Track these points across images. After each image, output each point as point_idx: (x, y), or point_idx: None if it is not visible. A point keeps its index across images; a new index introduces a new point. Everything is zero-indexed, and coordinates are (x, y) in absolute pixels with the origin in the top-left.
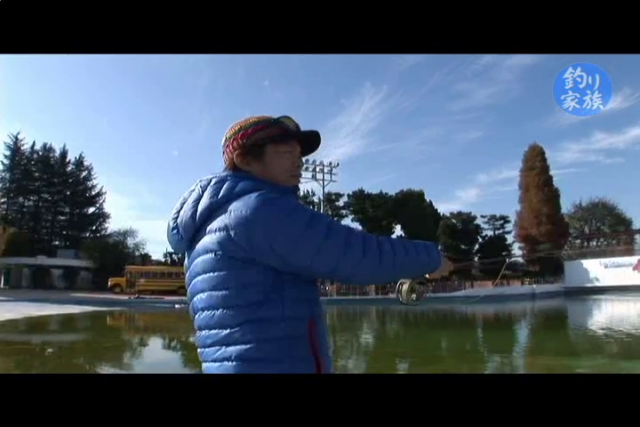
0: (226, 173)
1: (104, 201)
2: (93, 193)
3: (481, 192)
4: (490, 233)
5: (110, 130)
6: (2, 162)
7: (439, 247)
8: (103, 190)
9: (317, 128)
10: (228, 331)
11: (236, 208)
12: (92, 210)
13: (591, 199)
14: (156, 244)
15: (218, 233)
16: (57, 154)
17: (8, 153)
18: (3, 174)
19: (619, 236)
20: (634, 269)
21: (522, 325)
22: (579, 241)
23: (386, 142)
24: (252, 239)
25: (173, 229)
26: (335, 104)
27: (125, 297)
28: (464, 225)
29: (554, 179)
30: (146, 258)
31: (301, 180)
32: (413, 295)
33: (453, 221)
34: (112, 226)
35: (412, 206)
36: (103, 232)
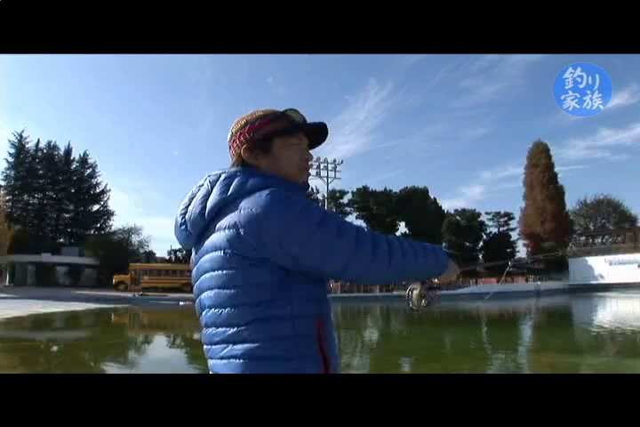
0: (235, 168)
1: (108, 199)
2: (98, 191)
3: (485, 189)
4: (494, 230)
5: (114, 127)
6: (7, 160)
7: (444, 246)
8: (107, 188)
9: None
10: (235, 329)
11: (247, 206)
12: (96, 207)
13: (596, 196)
14: (161, 241)
15: (227, 231)
16: (61, 152)
17: (13, 151)
18: (7, 172)
19: (624, 233)
20: (639, 266)
21: (527, 322)
22: (583, 238)
23: (390, 139)
24: (262, 238)
25: (181, 224)
26: (339, 101)
27: (130, 294)
28: (468, 222)
29: (559, 176)
30: (150, 255)
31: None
32: (424, 301)
33: (458, 218)
34: (116, 223)
35: (416, 203)
36: (107, 230)
